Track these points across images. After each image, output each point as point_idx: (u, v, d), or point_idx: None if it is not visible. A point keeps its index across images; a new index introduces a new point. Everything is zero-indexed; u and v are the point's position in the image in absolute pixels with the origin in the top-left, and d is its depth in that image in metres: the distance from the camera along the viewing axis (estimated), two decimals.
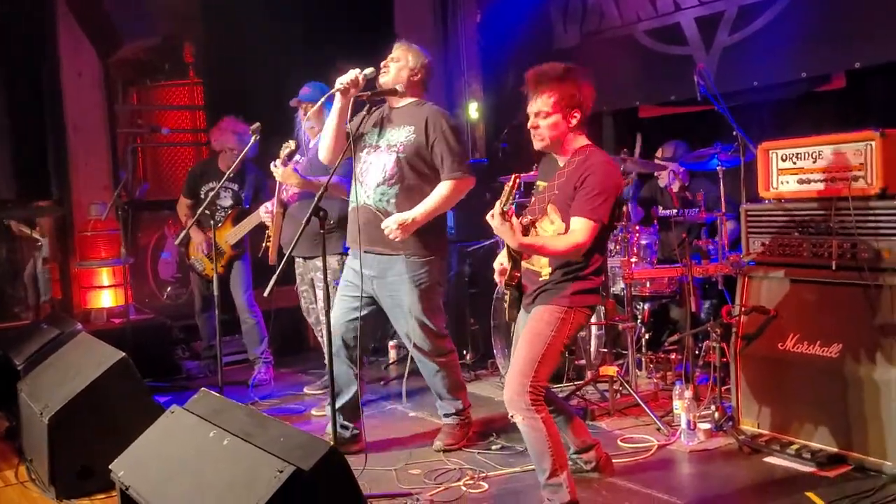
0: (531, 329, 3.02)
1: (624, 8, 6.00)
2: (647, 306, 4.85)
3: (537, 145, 3.08)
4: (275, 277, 3.09)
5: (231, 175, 5.30)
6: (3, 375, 4.35)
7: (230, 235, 5.31)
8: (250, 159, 4.98)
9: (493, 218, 2.80)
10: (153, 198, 7.33)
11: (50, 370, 3.86)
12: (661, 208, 4.91)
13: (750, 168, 4.03)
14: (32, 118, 5.76)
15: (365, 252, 3.65)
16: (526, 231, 2.98)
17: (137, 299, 6.43)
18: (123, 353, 3.52)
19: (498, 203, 2.78)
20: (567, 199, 2.97)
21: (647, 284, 4.76)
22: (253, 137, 4.10)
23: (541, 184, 3.20)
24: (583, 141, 3.08)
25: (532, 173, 4.46)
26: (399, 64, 3.69)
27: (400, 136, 3.65)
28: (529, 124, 3.06)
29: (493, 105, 7.29)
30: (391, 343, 5.82)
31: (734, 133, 4.16)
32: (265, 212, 4.60)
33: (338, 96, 3.58)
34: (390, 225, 3.54)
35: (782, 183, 3.71)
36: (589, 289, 3.04)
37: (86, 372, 3.52)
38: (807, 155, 3.60)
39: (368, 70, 3.61)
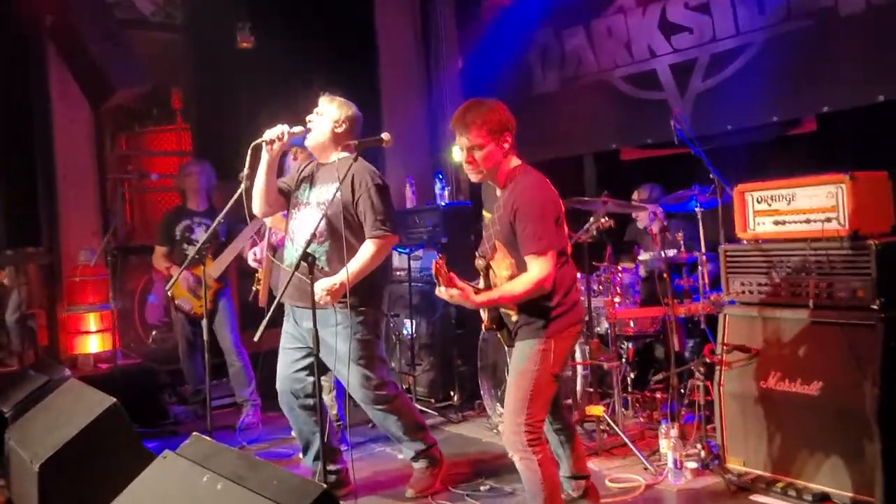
0: (515, 368, 3.07)
1: (601, 55, 6.19)
2: (631, 345, 4.93)
3: (474, 178, 3.10)
4: (265, 322, 3.13)
5: (203, 212, 5.47)
6: None
7: (213, 268, 5.35)
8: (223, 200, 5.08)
9: (443, 293, 2.87)
10: (140, 242, 7.37)
11: (39, 417, 3.85)
12: (642, 249, 5.02)
13: (728, 209, 4.15)
14: (23, 164, 5.82)
15: (300, 308, 3.70)
16: (486, 274, 3.03)
17: (124, 344, 6.41)
18: (114, 399, 3.52)
19: (437, 287, 2.84)
20: (509, 235, 2.99)
21: (631, 324, 4.84)
22: (245, 183, 4.16)
23: (486, 215, 3.23)
24: (515, 162, 3.10)
25: None
26: (322, 118, 3.70)
27: (327, 193, 3.62)
28: (463, 159, 3.06)
29: None
30: None
31: (711, 175, 4.28)
32: (253, 259, 4.65)
33: (265, 149, 3.55)
34: (318, 291, 3.48)
35: (759, 224, 3.83)
36: (563, 312, 3.03)
37: (76, 418, 3.51)
38: (781, 197, 3.72)
39: (297, 128, 3.61)
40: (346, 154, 3.70)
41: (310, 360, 3.74)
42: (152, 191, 7.61)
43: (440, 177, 6.55)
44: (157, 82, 7.32)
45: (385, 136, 3.54)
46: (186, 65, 6.85)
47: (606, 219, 4.46)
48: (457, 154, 7.37)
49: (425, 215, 6.07)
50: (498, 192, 3.12)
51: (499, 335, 3.22)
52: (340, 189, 3.59)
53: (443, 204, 6.18)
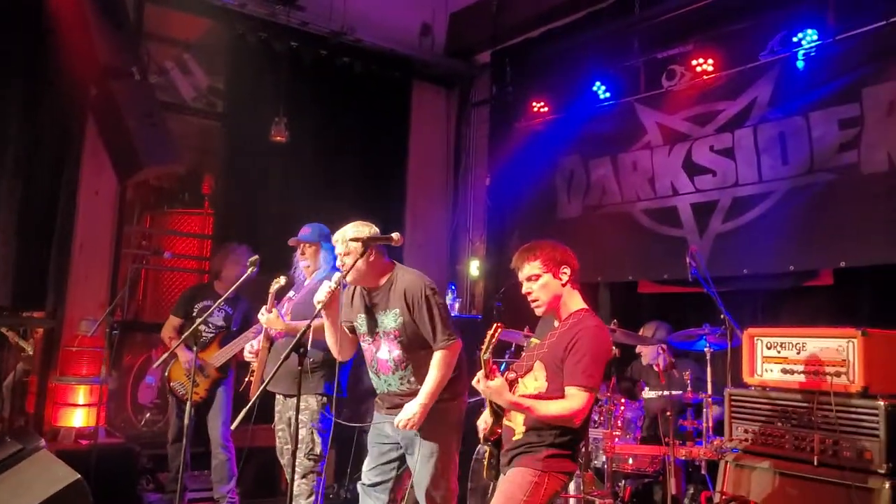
0: (503, 491, 2.94)
1: (625, 187, 6.24)
2: (628, 484, 4.70)
3: (539, 312, 3.14)
4: (245, 410, 3.04)
5: (227, 297, 5.40)
6: None
7: (217, 357, 5.26)
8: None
9: (479, 382, 2.81)
10: (149, 320, 7.35)
11: (2, 485, 3.72)
12: (647, 386, 4.88)
13: (737, 353, 4.05)
14: (42, 229, 5.85)
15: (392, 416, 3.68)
16: (510, 387, 2.96)
17: (112, 422, 6.26)
18: (79, 476, 3.41)
19: (482, 369, 2.77)
20: (556, 359, 2.98)
21: (630, 461, 4.64)
22: (250, 269, 4.18)
23: (534, 340, 3.23)
24: (579, 303, 3.13)
25: (513, 331, 4.54)
26: (349, 257, 3.65)
27: (389, 321, 3.66)
28: (524, 291, 3.12)
29: (494, 265, 7.41)
30: None
31: (722, 317, 4.20)
32: (249, 352, 4.58)
33: (323, 314, 3.62)
34: (403, 418, 3.54)
35: (766, 371, 3.72)
36: (565, 454, 2.97)
37: (37, 491, 3.40)
38: (791, 345, 3.63)
39: (335, 277, 3.62)
40: (386, 277, 3.73)
41: (397, 453, 3.74)
42: (168, 270, 7.64)
43: (453, 288, 6.52)
44: (191, 166, 7.53)
45: (395, 235, 3.57)
46: (221, 152, 7.01)
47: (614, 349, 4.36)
48: (474, 269, 7.48)
49: (451, 322, 5.96)
50: (556, 324, 3.13)
51: (485, 457, 3.09)
52: (401, 314, 3.63)
53: (452, 316, 6.09)
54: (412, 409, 3.54)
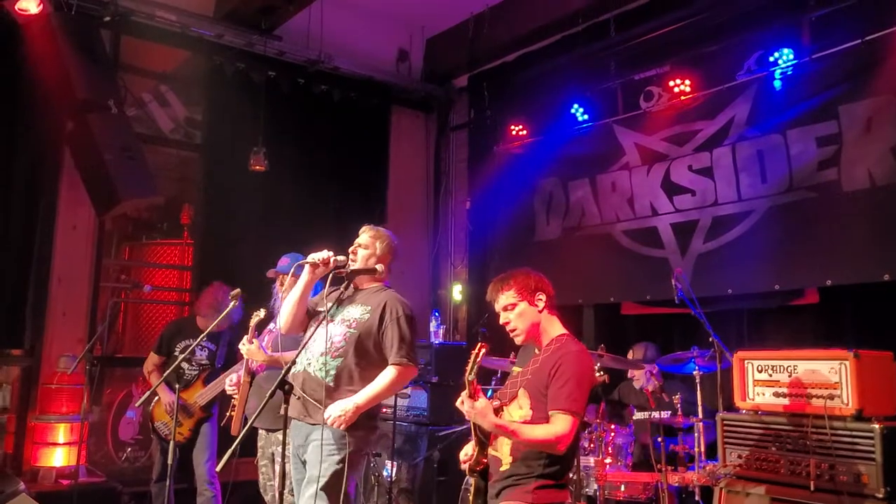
0: None
1: (604, 208, 6.25)
2: None
3: (518, 341, 3.10)
4: (231, 450, 2.97)
5: (209, 334, 5.29)
6: None
7: (201, 396, 5.16)
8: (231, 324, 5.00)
9: (463, 403, 2.76)
10: (129, 354, 7.22)
11: None
12: (636, 409, 4.84)
13: (727, 375, 4.02)
14: (18, 262, 5.75)
15: (294, 419, 3.56)
16: (495, 415, 2.92)
17: (93, 459, 6.12)
18: None
19: (466, 390, 2.74)
20: (540, 385, 2.94)
21: (622, 488, 4.58)
22: (232, 303, 4.11)
23: (516, 369, 3.18)
24: (559, 329, 3.10)
25: (498, 358, 4.50)
26: (367, 252, 3.76)
27: (355, 313, 3.64)
28: (502, 322, 3.09)
29: (476, 289, 7.37)
30: None
31: (711, 339, 4.19)
32: (230, 384, 4.50)
33: (307, 270, 3.62)
34: (332, 413, 3.40)
35: (758, 394, 3.70)
36: (555, 484, 2.91)
37: None
38: (782, 368, 3.61)
39: (341, 257, 3.68)
40: (378, 284, 3.78)
41: (311, 488, 3.52)
42: (147, 302, 7.52)
43: (437, 314, 6.46)
44: (170, 197, 7.43)
45: (379, 266, 3.67)
46: (200, 182, 6.93)
47: (601, 373, 4.34)
48: (457, 293, 7.44)
49: (416, 352, 5.91)
50: (537, 351, 3.09)
51: (470, 488, 3.03)
52: (370, 313, 3.61)
53: (436, 342, 6.04)
54: (345, 407, 3.42)
